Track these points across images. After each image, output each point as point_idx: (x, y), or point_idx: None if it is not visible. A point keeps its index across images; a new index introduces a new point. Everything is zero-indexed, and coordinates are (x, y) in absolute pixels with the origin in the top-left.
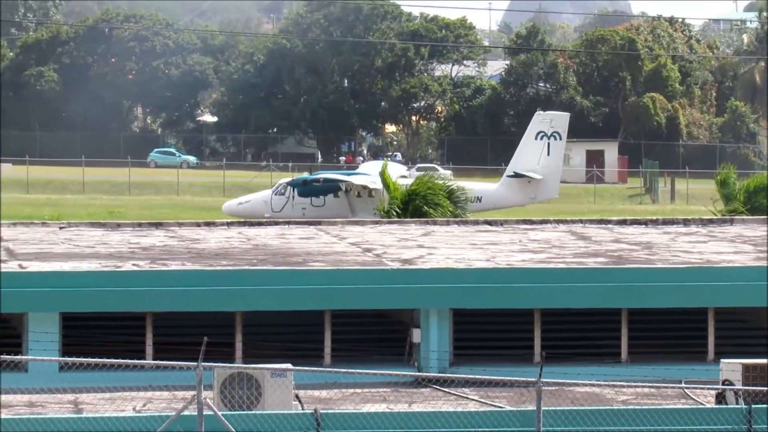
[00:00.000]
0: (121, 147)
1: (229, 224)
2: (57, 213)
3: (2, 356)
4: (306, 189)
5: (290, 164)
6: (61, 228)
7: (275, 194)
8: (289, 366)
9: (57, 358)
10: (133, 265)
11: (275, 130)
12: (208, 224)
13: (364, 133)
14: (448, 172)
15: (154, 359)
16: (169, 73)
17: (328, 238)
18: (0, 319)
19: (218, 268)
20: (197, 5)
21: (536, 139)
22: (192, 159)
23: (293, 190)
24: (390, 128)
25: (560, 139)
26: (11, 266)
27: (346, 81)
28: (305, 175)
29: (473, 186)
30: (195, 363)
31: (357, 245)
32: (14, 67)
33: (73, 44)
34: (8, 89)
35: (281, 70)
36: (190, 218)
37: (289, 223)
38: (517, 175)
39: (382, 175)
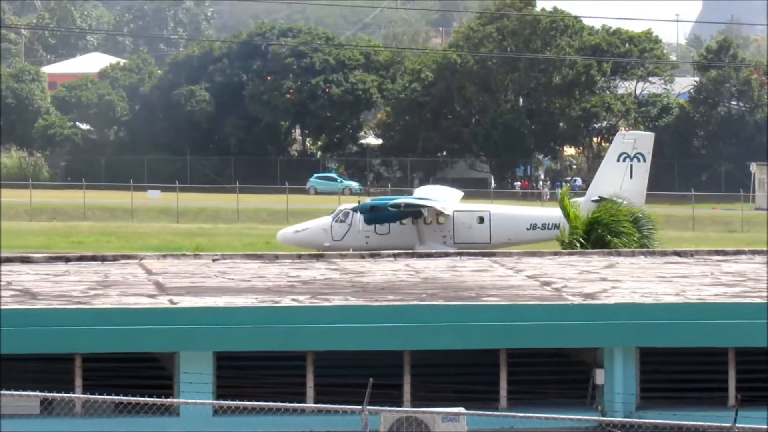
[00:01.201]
0: (278, 172)
1: (395, 256)
2: (210, 243)
3: (153, 398)
4: (374, 216)
5: (461, 190)
6: (214, 260)
7: (336, 221)
8: (461, 410)
9: (211, 401)
10: (293, 300)
11: (444, 153)
12: (373, 255)
13: (540, 157)
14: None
15: (315, 402)
16: (329, 92)
17: (503, 270)
18: (150, 359)
19: (384, 303)
20: (360, 18)
21: (618, 161)
22: (354, 185)
23: (359, 216)
24: (569, 151)
25: (644, 161)
26: (161, 302)
27: (521, 100)
28: (369, 200)
29: (550, 212)
30: (360, 406)
31: (535, 278)
32: (163, 86)
33: (227, 61)
34: (157, 110)
35: (451, 88)
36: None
37: (461, 254)
38: (601, 200)
39: (562, 202)
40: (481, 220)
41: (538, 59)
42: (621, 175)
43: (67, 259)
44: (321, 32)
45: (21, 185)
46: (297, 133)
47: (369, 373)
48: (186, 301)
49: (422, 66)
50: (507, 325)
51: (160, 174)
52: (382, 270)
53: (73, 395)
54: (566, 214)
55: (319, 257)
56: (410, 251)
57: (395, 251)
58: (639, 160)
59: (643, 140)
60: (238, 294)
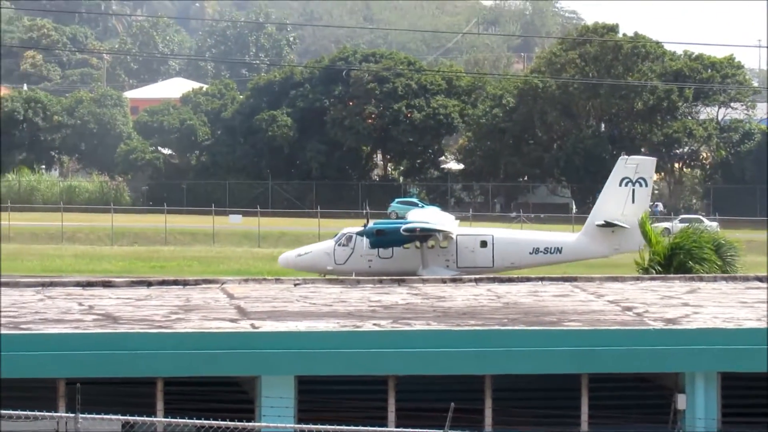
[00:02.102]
0: (360, 196)
1: (477, 280)
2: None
3: (234, 423)
4: (380, 240)
5: (542, 215)
6: (296, 284)
7: (339, 245)
8: None
9: (293, 425)
10: (374, 324)
11: (526, 178)
12: (454, 280)
13: None
14: (714, 224)
15: (396, 426)
16: (411, 117)
17: (584, 295)
18: (231, 383)
19: (466, 328)
20: (442, 43)
21: (620, 185)
22: (436, 210)
23: (365, 240)
24: None
25: (646, 185)
26: (243, 326)
27: (603, 125)
28: (372, 224)
29: (553, 237)
30: (441, 431)
31: (616, 303)
32: (245, 110)
33: (308, 86)
34: (238, 135)
35: (532, 113)
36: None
37: (542, 279)
38: (608, 225)
39: (643, 226)
40: (484, 244)
41: (620, 85)
42: (623, 199)
43: (148, 284)
44: (403, 57)
45: (102, 209)
46: (378, 157)
47: (450, 397)
48: (267, 326)
49: (504, 91)
50: (588, 350)
51: (242, 198)
52: (464, 295)
53: (154, 419)
54: (647, 239)
55: (400, 282)
56: (491, 276)
57: (476, 276)
58: (641, 185)
59: (645, 165)
60: (320, 318)
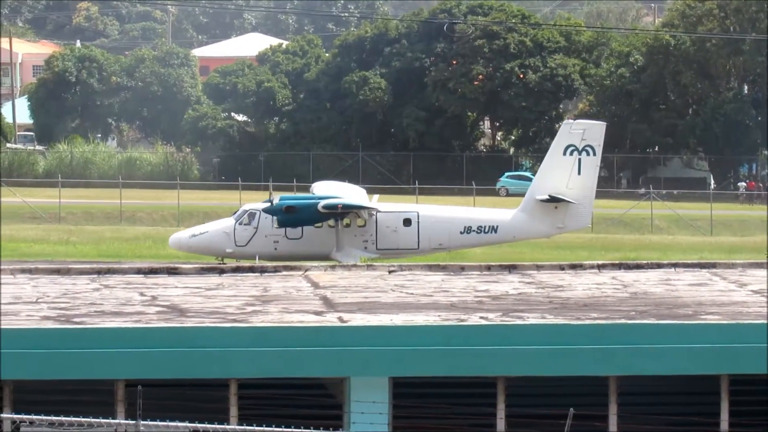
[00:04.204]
0: (464, 170)
1: (600, 267)
2: None
3: (319, 431)
4: (291, 218)
5: (675, 192)
6: (390, 271)
7: (240, 224)
8: None
9: None
10: (481, 318)
11: (656, 149)
12: (573, 267)
13: None
14: None
15: None
16: (525, 79)
17: (724, 284)
18: (316, 386)
19: (587, 322)
20: None
21: (565, 154)
22: None
23: (272, 218)
24: None
25: (594, 154)
26: (330, 320)
27: (746, 87)
28: (278, 199)
29: (487, 214)
30: None
31: (761, 293)
32: (331, 71)
33: (405, 42)
34: (324, 99)
35: (664, 73)
36: (551, 259)
37: (675, 265)
38: (552, 199)
39: None
40: (408, 222)
41: (766, 40)
42: (568, 170)
43: (221, 271)
44: (516, 9)
45: (168, 185)
46: (486, 125)
47: (569, 402)
48: (358, 319)
49: (631, 48)
50: (729, 348)
51: (328, 172)
52: (585, 283)
53: (227, 426)
54: None
55: (511, 269)
56: (616, 261)
57: (599, 261)
58: (588, 154)
59: (593, 131)
60: (418, 311)
